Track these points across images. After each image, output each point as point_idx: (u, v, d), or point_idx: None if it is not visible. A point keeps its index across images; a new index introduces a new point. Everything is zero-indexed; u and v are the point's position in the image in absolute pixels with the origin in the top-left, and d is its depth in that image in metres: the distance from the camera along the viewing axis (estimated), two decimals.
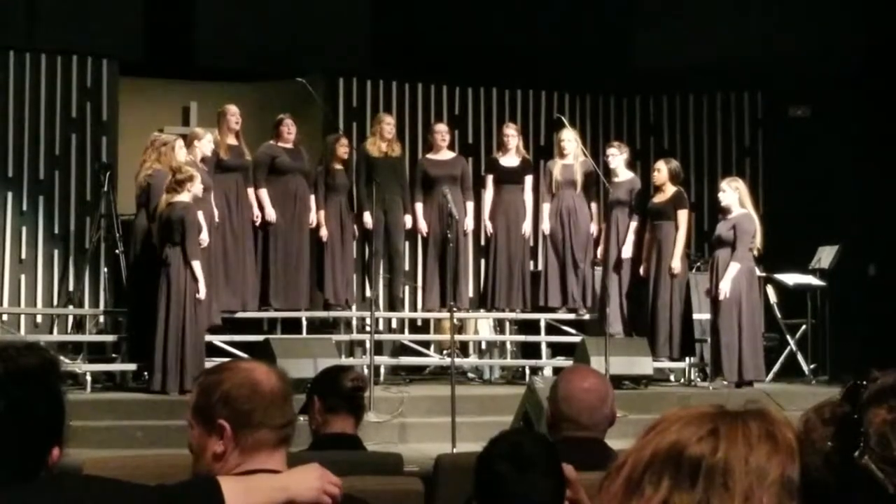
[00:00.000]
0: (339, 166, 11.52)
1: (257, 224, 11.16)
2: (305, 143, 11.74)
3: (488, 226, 11.86)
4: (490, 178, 11.93)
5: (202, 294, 9.90)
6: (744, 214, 10.90)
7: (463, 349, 12.01)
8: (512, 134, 11.95)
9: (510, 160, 11.89)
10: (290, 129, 11.33)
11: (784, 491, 1.36)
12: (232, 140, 11.11)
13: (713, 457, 1.37)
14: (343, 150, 11.55)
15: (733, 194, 10.95)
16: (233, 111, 11.11)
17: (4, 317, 11.69)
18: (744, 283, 10.82)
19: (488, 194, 11.87)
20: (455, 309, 9.97)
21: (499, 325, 12.32)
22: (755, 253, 10.99)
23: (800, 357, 12.01)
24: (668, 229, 11.22)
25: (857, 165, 13.04)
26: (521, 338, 12.06)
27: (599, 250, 11.76)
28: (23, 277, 11.95)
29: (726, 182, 11.21)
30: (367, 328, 10.80)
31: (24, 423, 2.23)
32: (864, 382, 1.59)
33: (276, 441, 2.75)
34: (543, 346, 11.82)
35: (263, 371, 2.81)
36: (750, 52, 13.27)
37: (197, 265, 9.85)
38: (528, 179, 11.91)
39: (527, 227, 11.84)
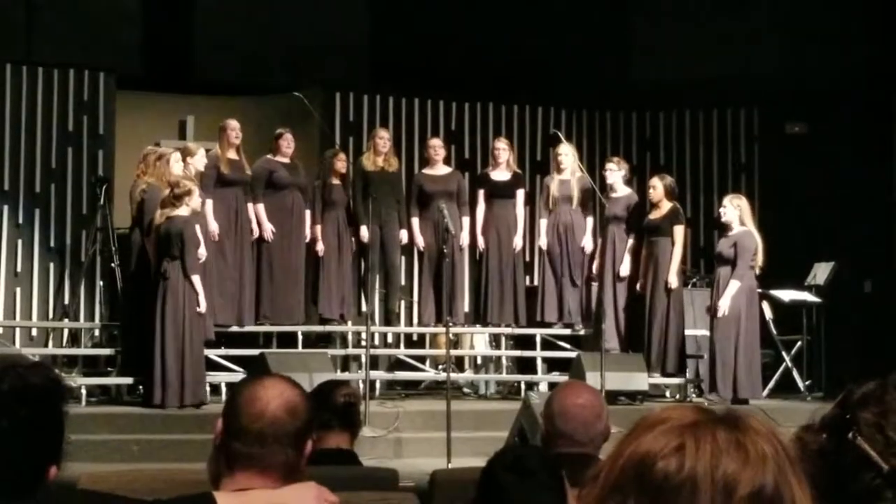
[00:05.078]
0: (336, 181, 11.54)
1: (254, 239, 11.17)
2: (302, 157, 11.75)
3: (480, 240, 11.86)
4: (481, 193, 11.93)
5: (202, 307, 9.89)
6: (745, 232, 10.89)
7: (459, 364, 12.01)
8: (503, 148, 11.96)
9: (501, 174, 11.89)
10: (289, 143, 11.34)
11: None
12: (232, 154, 11.12)
13: (678, 475, 1.32)
14: (341, 164, 11.56)
15: (734, 211, 10.95)
16: (233, 126, 11.11)
17: (0, 330, 11.69)
18: (743, 300, 10.82)
19: (480, 209, 11.87)
20: (451, 324, 9.97)
21: (494, 340, 12.32)
22: (756, 271, 10.99)
23: (795, 373, 12.01)
24: (665, 245, 11.23)
25: (853, 182, 13.06)
26: (517, 353, 12.05)
27: (595, 265, 11.75)
28: (18, 290, 11.94)
29: (728, 199, 11.20)
30: (363, 343, 10.79)
31: (26, 441, 2.24)
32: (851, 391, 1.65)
33: (255, 465, 2.72)
34: (539, 362, 11.82)
35: (278, 400, 2.75)
36: (747, 69, 13.31)
37: (196, 279, 9.84)
38: (520, 194, 11.91)
39: (518, 242, 11.83)
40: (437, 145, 11.99)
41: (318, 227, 11.40)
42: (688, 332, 11.40)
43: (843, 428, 1.58)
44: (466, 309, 12.24)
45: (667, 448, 1.34)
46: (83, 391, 10.13)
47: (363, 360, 10.60)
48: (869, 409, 1.59)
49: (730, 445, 1.34)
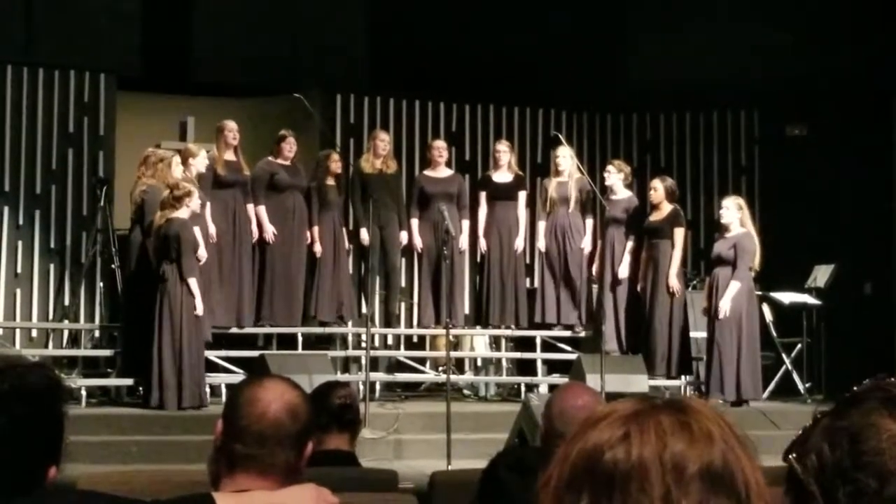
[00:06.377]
0: (331, 182, 11.53)
1: (255, 241, 11.17)
2: (302, 159, 11.74)
3: (482, 242, 11.86)
4: (483, 195, 11.93)
5: (199, 310, 9.89)
6: (744, 233, 10.89)
7: (459, 366, 12.00)
8: (504, 150, 11.96)
9: (503, 176, 11.90)
10: (291, 147, 11.33)
11: (706, 484, 1.32)
12: (230, 156, 11.11)
13: (627, 462, 1.32)
14: (335, 165, 11.54)
15: (735, 213, 10.94)
16: (230, 127, 11.10)
17: (0, 331, 11.69)
18: (744, 302, 10.81)
19: (481, 210, 11.87)
20: (451, 325, 9.97)
21: (494, 342, 12.32)
22: (753, 273, 10.98)
23: (795, 376, 12.00)
24: (665, 247, 11.23)
25: (853, 184, 13.07)
26: (517, 355, 12.05)
27: (595, 267, 11.75)
28: (18, 291, 11.94)
29: (730, 200, 11.18)
30: (363, 344, 10.79)
31: (24, 440, 2.25)
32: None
33: (255, 466, 2.71)
34: (539, 364, 11.82)
35: (278, 402, 2.75)
36: (747, 71, 13.31)
37: (193, 282, 9.84)
38: (522, 195, 11.91)
39: (519, 244, 11.83)
40: (440, 147, 11.99)
41: (316, 229, 11.40)
42: (690, 334, 11.39)
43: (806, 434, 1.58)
44: (466, 311, 12.24)
45: (613, 438, 1.35)
46: (83, 392, 10.13)
47: (363, 361, 10.60)
48: (826, 420, 1.57)
49: (674, 427, 1.35)
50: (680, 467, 1.32)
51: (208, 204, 10.73)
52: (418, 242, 11.71)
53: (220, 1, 13.24)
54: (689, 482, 1.32)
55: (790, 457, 1.54)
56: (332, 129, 13.16)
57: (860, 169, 13.10)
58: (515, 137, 13.52)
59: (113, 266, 11.26)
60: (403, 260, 12.30)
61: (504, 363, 12.15)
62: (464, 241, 11.78)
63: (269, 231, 11.15)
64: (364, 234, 11.49)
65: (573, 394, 4.09)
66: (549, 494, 1.37)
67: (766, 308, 12.06)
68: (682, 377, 11.46)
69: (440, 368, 11.49)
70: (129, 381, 10.45)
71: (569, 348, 11.77)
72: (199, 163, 10.75)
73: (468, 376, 12.16)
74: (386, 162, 11.70)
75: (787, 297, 12.17)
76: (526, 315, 11.86)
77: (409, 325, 12.78)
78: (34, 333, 11.99)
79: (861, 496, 1.49)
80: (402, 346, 12.32)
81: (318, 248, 11.38)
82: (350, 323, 11.73)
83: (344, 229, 11.79)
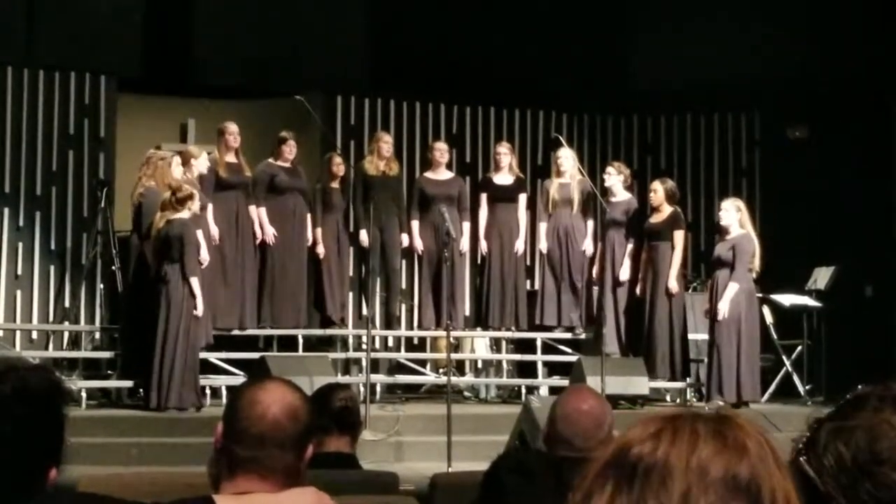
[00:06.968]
0: (335, 185, 11.54)
1: (256, 243, 11.17)
2: (304, 160, 11.75)
3: (483, 244, 11.86)
4: (484, 197, 11.94)
5: (199, 311, 9.88)
6: (743, 235, 10.89)
7: (459, 368, 12.00)
8: (504, 152, 11.97)
9: (503, 178, 11.90)
10: (291, 149, 11.34)
11: (728, 490, 1.32)
12: (231, 158, 11.11)
13: (652, 456, 1.34)
14: (338, 168, 11.56)
15: (735, 215, 10.94)
16: (231, 129, 11.10)
17: (0, 332, 11.68)
18: (743, 303, 10.81)
19: (482, 212, 11.88)
20: (451, 327, 9.96)
21: (495, 344, 12.32)
22: (754, 274, 10.98)
23: (795, 378, 11.99)
24: (665, 249, 11.23)
25: (854, 187, 13.05)
26: (518, 357, 12.05)
27: (595, 269, 11.76)
28: (19, 293, 11.94)
29: (729, 202, 11.18)
30: (364, 346, 10.79)
31: (25, 442, 2.25)
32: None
33: (255, 468, 2.71)
34: (540, 366, 11.82)
35: (279, 404, 2.74)
36: (748, 73, 13.31)
37: (195, 282, 9.84)
38: (522, 198, 11.92)
39: (520, 246, 11.84)
40: (441, 148, 11.99)
41: (319, 231, 11.41)
42: (690, 336, 11.40)
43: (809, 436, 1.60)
44: (466, 313, 12.24)
45: (644, 435, 1.37)
46: (83, 394, 10.13)
47: (364, 363, 10.59)
48: (832, 422, 1.59)
49: (707, 434, 1.36)
50: (704, 470, 1.33)
51: (210, 206, 10.73)
52: (419, 244, 11.72)
53: (220, 2, 13.24)
54: (711, 484, 1.33)
55: (801, 459, 1.55)
56: (333, 130, 13.16)
57: (861, 171, 13.09)
58: (516, 139, 13.52)
59: (113, 268, 11.26)
60: (404, 262, 12.30)
61: (504, 365, 12.15)
62: (464, 244, 11.79)
63: (269, 233, 11.16)
64: (364, 236, 11.49)
65: (578, 397, 4.07)
66: (581, 486, 1.38)
67: (766, 310, 12.04)
68: (683, 379, 11.45)
69: (441, 370, 11.48)
70: (129, 383, 10.45)
71: (569, 350, 11.78)
72: (201, 164, 10.76)
73: (469, 378, 12.16)
74: (389, 164, 11.71)
75: (787, 299, 12.16)
76: (526, 317, 11.86)
77: (410, 327, 12.78)
78: (34, 335, 11.99)
79: (884, 489, 1.53)
80: (402, 348, 12.31)
81: (321, 250, 11.38)
82: (350, 325, 11.73)
83: (347, 231, 11.81)
